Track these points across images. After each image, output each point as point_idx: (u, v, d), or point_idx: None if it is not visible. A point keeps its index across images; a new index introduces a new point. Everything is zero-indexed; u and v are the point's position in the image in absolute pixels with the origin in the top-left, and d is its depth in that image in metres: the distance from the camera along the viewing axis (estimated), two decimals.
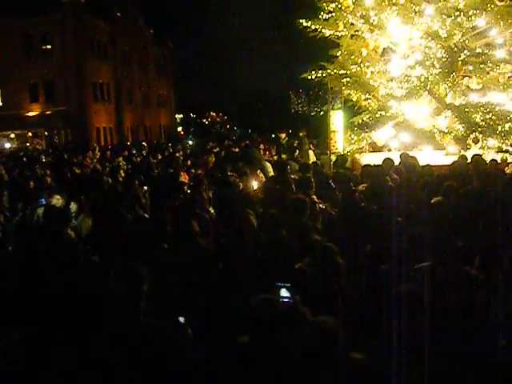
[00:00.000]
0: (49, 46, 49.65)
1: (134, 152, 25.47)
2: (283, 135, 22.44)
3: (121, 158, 21.16)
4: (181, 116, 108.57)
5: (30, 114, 49.57)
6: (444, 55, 14.39)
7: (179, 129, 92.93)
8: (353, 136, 17.29)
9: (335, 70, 16.37)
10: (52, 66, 48.31)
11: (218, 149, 23.31)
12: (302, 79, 17.58)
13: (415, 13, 14.73)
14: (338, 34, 17.12)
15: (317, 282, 5.34)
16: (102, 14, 51.32)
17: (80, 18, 47.98)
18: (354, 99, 17.46)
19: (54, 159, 22.38)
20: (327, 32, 17.07)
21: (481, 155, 11.37)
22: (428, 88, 14.43)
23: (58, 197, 9.96)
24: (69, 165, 17.11)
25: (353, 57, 16.94)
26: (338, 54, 17.31)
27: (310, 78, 16.72)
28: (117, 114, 55.34)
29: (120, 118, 55.61)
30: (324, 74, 16.43)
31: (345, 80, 16.22)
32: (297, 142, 21.68)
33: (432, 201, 7.25)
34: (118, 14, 54.71)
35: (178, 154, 21.82)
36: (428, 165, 10.96)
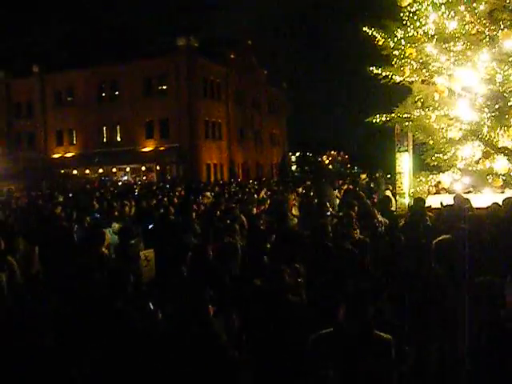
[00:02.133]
0: (164, 87, 52.72)
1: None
2: (363, 175, 23.00)
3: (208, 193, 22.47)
4: (297, 155, 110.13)
5: (145, 149, 52.56)
6: (496, 100, 14.62)
7: (293, 167, 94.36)
8: (421, 178, 17.70)
9: (399, 114, 16.84)
10: (167, 105, 51.14)
11: None
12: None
13: (470, 60, 15.10)
14: (408, 79, 17.60)
15: None
16: (216, 56, 53.78)
17: (194, 60, 50.65)
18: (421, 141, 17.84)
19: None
20: (397, 78, 17.58)
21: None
22: (479, 132, 14.70)
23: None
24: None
25: (418, 101, 17.36)
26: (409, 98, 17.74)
27: (374, 121, 17.27)
28: (228, 151, 57.33)
29: (231, 155, 57.55)
30: (388, 118, 16.94)
31: (407, 123, 16.67)
32: (373, 182, 22.21)
33: None
34: (232, 56, 56.99)
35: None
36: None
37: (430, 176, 17.61)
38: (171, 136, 51.88)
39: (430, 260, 7.69)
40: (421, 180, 17.70)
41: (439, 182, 17.37)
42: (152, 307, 6.26)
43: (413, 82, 17.64)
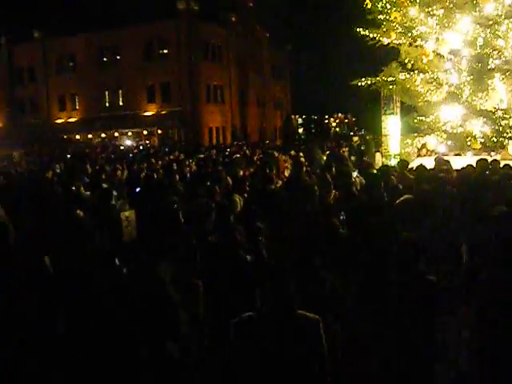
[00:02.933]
0: (165, 51, 52.80)
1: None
2: (356, 138, 23.34)
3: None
4: (303, 117, 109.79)
5: (147, 113, 52.86)
6: (476, 63, 14.90)
7: (300, 130, 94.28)
8: (408, 140, 18.04)
9: (384, 77, 17.13)
10: (168, 69, 51.20)
11: None
12: None
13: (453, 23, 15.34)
14: (395, 42, 17.82)
15: None
16: (217, 20, 53.69)
17: (194, 24, 50.57)
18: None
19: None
20: (385, 41, 17.80)
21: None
22: (459, 95, 14.99)
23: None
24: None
25: (408, 63, 17.59)
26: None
27: (359, 84, 17.56)
28: (230, 115, 57.55)
29: (233, 119, 57.79)
30: (373, 81, 17.23)
31: (392, 86, 16.95)
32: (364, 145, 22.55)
33: None
34: (233, 18, 56.83)
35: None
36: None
37: (417, 138, 17.93)
38: (173, 100, 52.08)
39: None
40: (407, 142, 18.02)
41: (424, 145, 17.72)
42: (118, 263, 6.69)
43: (400, 44, 17.91)
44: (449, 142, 16.59)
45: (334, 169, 12.73)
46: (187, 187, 12.59)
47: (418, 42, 17.26)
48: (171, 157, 24.69)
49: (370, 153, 21.21)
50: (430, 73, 16.90)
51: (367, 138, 21.93)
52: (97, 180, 14.37)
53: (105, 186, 12.57)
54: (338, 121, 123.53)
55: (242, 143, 42.00)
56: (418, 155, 17.22)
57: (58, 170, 19.83)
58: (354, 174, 13.20)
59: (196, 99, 51.80)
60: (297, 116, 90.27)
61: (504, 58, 15.20)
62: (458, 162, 13.72)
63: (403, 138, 18.12)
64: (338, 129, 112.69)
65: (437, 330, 5.42)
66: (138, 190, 13.07)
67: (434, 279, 5.39)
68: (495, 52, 15.25)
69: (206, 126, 53.57)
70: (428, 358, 5.36)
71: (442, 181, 10.63)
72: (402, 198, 8.94)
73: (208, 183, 12.07)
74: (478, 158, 15.10)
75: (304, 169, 13.46)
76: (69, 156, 29.73)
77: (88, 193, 11.84)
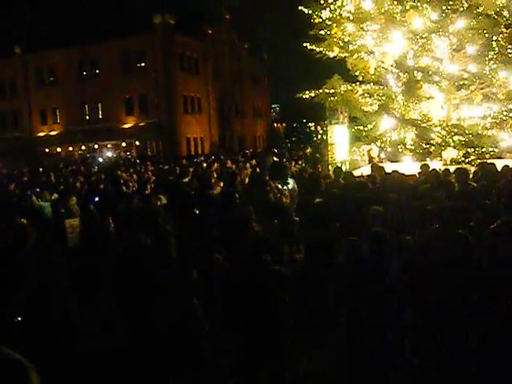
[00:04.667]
0: (143, 64, 53.86)
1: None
2: (309, 149, 24.44)
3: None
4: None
5: (126, 125, 53.87)
6: (406, 75, 15.98)
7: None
8: (354, 148, 19.08)
9: (326, 90, 18.14)
10: (145, 82, 52.25)
11: None
12: None
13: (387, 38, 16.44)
14: (340, 55, 18.85)
15: None
16: (193, 32, 54.78)
17: (170, 37, 51.67)
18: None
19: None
20: (331, 54, 18.82)
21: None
22: (388, 106, 16.06)
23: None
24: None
25: (354, 75, 18.62)
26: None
27: (303, 97, 18.60)
28: (208, 125, 58.58)
29: (211, 129, 58.83)
30: (315, 94, 18.25)
31: (332, 98, 17.95)
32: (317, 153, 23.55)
33: None
34: (209, 31, 57.94)
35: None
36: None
37: (363, 146, 18.94)
38: (150, 112, 53.11)
39: None
40: (354, 150, 19.04)
41: (369, 152, 18.74)
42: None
43: (345, 57, 18.94)
44: (389, 150, 17.61)
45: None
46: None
47: (361, 55, 18.25)
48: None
49: (323, 161, 22.25)
50: (371, 84, 17.93)
51: (321, 146, 22.89)
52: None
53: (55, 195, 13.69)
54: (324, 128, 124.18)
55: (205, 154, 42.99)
56: (370, 162, 18.23)
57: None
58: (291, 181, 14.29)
59: (173, 111, 52.81)
60: (283, 124, 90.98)
61: (432, 71, 16.27)
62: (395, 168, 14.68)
63: (351, 146, 19.12)
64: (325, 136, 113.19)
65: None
66: (96, 199, 13.97)
67: (280, 270, 6.41)
68: (424, 64, 16.34)
69: (184, 137, 54.52)
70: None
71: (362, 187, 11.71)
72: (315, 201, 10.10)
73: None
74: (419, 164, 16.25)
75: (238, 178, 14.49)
76: (41, 169, 30.56)
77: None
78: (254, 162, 24.51)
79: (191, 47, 55.74)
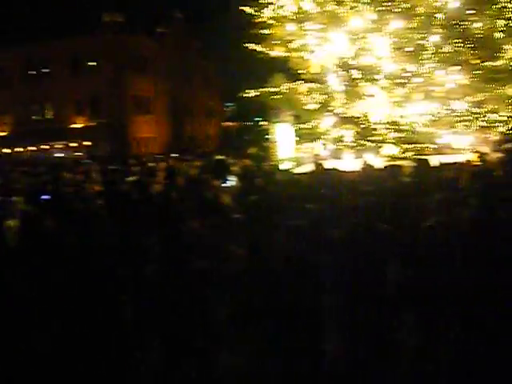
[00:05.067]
0: (93, 63, 53.38)
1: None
2: (254, 148, 24.55)
3: None
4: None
5: (75, 126, 53.36)
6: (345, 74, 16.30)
7: None
8: (298, 146, 19.28)
9: (268, 88, 18.30)
10: (96, 82, 51.87)
11: None
12: None
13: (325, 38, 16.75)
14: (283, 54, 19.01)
15: None
16: (145, 32, 54.58)
17: (120, 37, 51.38)
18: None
19: None
20: (273, 54, 18.95)
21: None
22: (329, 103, 16.37)
23: None
24: None
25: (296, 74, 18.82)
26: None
27: (244, 96, 18.77)
28: (159, 125, 58.40)
29: (162, 129, 58.67)
30: (258, 93, 18.41)
31: (274, 97, 18.13)
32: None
33: None
34: (161, 30, 57.79)
35: None
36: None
37: (306, 144, 19.15)
38: (101, 112, 52.77)
39: None
40: (298, 148, 19.24)
41: (313, 150, 18.97)
42: None
43: (288, 57, 19.13)
44: (331, 147, 17.86)
45: None
46: None
47: (303, 54, 18.46)
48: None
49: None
50: (313, 83, 18.17)
51: (265, 144, 23.00)
52: None
53: None
54: None
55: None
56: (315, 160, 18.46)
57: None
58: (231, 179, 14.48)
59: (124, 111, 52.55)
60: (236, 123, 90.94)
61: (371, 69, 16.63)
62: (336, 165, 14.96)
63: (297, 144, 19.32)
64: None
65: None
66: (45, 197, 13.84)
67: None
68: (364, 63, 16.68)
69: (135, 138, 54.25)
70: None
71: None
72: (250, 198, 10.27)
73: None
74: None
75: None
76: None
77: None
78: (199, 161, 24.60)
79: (142, 47, 55.50)
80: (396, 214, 8.56)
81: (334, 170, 13.14)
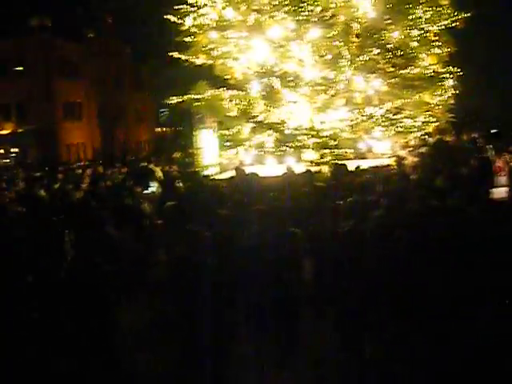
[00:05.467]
0: (21, 68, 52.37)
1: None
2: (179, 154, 24.93)
3: None
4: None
5: (2, 132, 52.24)
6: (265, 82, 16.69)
7: None
8: (222, 152, 19.55)
9: (192, 95, 18.51)
10: (24, 87, 50.79)
11: None
12: None
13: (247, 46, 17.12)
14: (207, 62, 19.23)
15: None
16: (74, 36, 53.86)
17: (48, 41, 50.63)
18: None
19: None
20: (198, 61, 19.15)
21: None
22: (249, 110, 16.73)
23: None
24: None
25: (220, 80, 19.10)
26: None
27: (169, 103, 18.96)
28: (89, 131, 57.76)
29: (92, 135, 58.07)
30: (181, 100, 18.62)
31: (198, 103, 18.36)
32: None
33: None
34: (91, 34, 57.19)
35: None
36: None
37: (230, 150, 19.45)
38: (29, 118, 51.67)
39: None
40: (221, 154, 19.54)
41: (235, 156, 19.29)
42: None
43: (212, 64, 19.38)
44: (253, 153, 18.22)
45: None
46: None
47: (226, 61, 18.73)
48: None
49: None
50: (235, 90, 18.49)
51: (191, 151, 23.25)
52: None
53: None
54: None
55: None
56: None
57: None
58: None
59: (53, 117, 51.78)
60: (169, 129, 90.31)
61: (290, 77, 17.07)
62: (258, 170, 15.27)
63: (221, 150, 19.59)
64: None
65: None
66: None
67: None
68: (284, 70, 17.12)
69: (65, 144, 53.53)
70: None
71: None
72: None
73: None
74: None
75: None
76: None
77: None
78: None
79: (71, 51, 54.71)
80: (308, 218, 8.91)
81: (253, 175, 13.47)
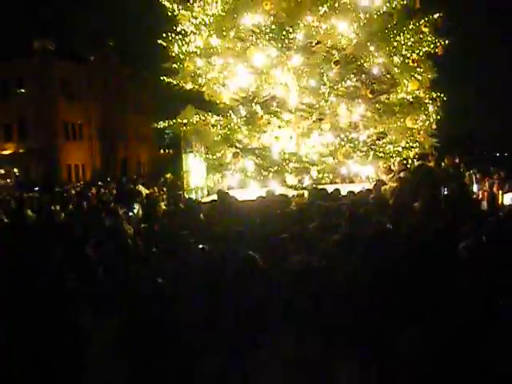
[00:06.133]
0: (22, 90, 53.19)
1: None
2: (169, 174, 25.38)
3: None
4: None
5: (4, 152, 52.91)
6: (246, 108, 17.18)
7: None
8: (210, 176, 19.95)
9: (180, 120, 18.93)
10: (25, 108, 51.67)
11: None
12: None
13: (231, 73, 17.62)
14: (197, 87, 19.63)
15: None
16: (76, 58, 54.72)
17: (50, 63, 51.54)
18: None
19: None
20: (188, 86, 19.58)
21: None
22: (231, 135, 17.17)
23: None
24: None
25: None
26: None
27: (157, 126, 19.42)
28: (90, 151, 58.41)
29: (93, 155, 58.73)
30: (169, 124, 19.04)
31: (184, 127, 18.77)
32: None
33: None
34: (92, 57, 58.03)
35: None
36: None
37: (217, 174, 19.82)
38: (30, 138, 52.55)
39: None
40: (209, 178, 19.92)
41: (222, 179, 19.65)
42: None
43: (200, 89, 19.78)
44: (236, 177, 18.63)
45: None
46: None
47: (213, 87, 19.13)
48: None
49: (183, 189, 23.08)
50: (220, 116, 18.90)
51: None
52: None
53: None
54: None
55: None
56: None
57: None
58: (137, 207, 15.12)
59: (54, 137, 52.51)
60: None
61: (272, 103, 17.55)
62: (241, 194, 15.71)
63: (208, 173, 19.97)
64: None
65: None
66: None
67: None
68: (266, 97, 17.59)
69: (65, 164, 54.16)
70: None
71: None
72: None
73: None
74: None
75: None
76: None
77: None
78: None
79: (72, 73, 55.54)
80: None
81: (231, 199, 13.84)
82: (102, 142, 60.49)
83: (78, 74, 56.28)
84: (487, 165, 24.14)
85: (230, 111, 18.17)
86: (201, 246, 8.55)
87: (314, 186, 15.79)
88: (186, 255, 8.18)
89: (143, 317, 6.67)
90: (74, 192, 25.64)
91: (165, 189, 24.30)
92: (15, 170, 52.24)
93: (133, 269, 8.89)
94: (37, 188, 32.94)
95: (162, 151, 78.21)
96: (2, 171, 52.03)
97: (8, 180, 50.69)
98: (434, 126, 19.17)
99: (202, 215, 12.88)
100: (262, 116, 17.13)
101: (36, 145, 51.75)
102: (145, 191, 20.60)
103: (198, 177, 19.88)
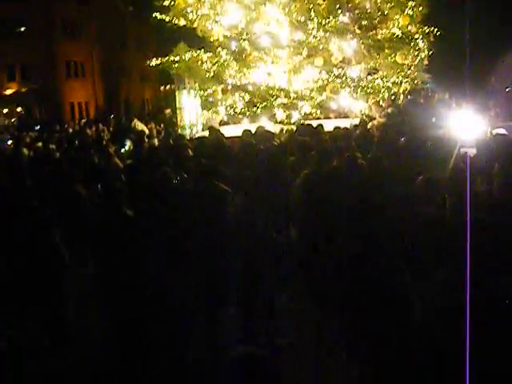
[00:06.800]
0: (22, 29, 52.92)
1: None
2: (168, 110, 25.63)
3: None
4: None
5: (7, 92, 53.05)
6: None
7: None
8: (203, 112, 20.29)
9: (172, 57, 19.14)
10: (26, 47, 51.30)
11: None
12: None
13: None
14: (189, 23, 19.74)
15: None
16: None
17: (50, 1, 51.13)
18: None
19: None
20: (182, 22, 19.69)
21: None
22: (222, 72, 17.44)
23: None
24: None
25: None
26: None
27: (151, 64, 19.63)
28: (93, 89, 58.46)
29: (96, 93, 58.79)
30: (162, 61, 19.27)
31: (176, 65, 18.99)
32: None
33: None
34: None
35: None
36: None
37: (210, 111, 20.13)
38: (33, 78, 52.46)
39: None
40: (202, 114, 20.27)
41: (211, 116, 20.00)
42: None
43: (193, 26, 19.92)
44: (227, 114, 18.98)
45: None
46: None
47: (203, 24, 19.25)
48: None
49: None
50: (210, 53, 19.09)
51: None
52: None
53: None
54: None
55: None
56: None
57: None
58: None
59: (56, 76, 52.52)
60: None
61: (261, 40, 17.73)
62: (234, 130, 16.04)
63: (202, 110, 20.29)
64: None
65: None
66: None
67: None
68: (254, 33, 17.76)
69: (68, 102, 54.33)
70: None
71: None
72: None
73: None
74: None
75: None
76: None
77: None
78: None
79: (73, 11, 55.08)
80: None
81: (220, 134, 14.17)
82: (104, 79, 60.43)
83: (79, 12, 55.78)
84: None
85: (220, 48, 18.30)
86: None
87: (302, 121, 16.11)
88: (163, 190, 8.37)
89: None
90: (71, 130, 26.07)
91: (162, 125, 24.70)
92: (18, 109, 52.32)
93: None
94: (38, 127, 33.28)
95: (163, 88, 77.78)
96: (6, 111, 52.23)
97: (12, 120, 50.89)
98: (425, 62, 19.21)
99: (190, 151, 13.20)
100: (250, 53, 17.34)
101: (38, 84, 51.74)
102: (141, 127, 20.94)
103: (192, 113, 20.20)
